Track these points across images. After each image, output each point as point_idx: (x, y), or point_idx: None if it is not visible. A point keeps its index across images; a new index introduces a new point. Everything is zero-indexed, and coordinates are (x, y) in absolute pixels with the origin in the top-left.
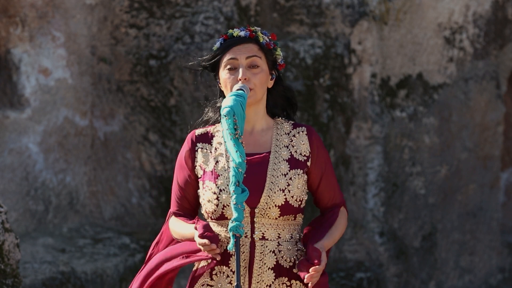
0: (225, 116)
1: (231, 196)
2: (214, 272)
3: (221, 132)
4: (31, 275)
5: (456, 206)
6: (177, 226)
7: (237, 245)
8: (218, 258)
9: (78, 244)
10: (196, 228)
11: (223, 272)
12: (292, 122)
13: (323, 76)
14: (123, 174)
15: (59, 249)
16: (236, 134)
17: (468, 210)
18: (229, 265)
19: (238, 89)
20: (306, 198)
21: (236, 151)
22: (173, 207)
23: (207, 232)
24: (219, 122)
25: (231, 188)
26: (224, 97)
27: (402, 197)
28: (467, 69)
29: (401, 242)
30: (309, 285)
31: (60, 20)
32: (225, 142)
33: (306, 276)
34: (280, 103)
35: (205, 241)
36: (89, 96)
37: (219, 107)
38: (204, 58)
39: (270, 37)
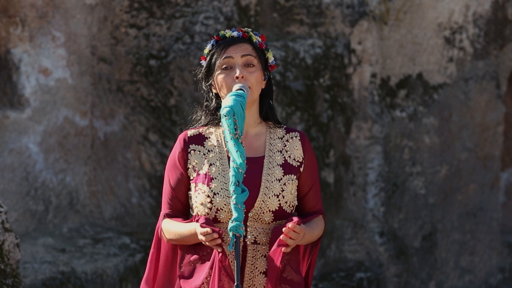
0: (225, 116)
1: (231, 196)
2: (211, 273)
3: (214, 133)
4: (31, 275)
5: (456, 206)
6: (174, 226)
7: (237, 245)
8: (220, 250)
9: (78, 244)
10: (197, 221)
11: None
12: (285, 126)
13: (323, 76)
14: (123, 174)
15: (59, 249)
16: (236, 134)
17: (468, 210)
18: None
19: (238, 89)
20: (296, 204)
21: (237, 151)
22: (164, 209)
23: (208, 225)
24: (211, 124)
25: (231, 188)
26: (218, 99)
27: (402, 197)
28: (467, 69)
29: (401, 242)
30: (284, 239)
31: (60, 20)
32: (226, 142)
33: (284, 230)
34: (270, 105)
35: (207, 229)
36: (89, 96)
37: (212, 110)
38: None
39: (260, 38)
